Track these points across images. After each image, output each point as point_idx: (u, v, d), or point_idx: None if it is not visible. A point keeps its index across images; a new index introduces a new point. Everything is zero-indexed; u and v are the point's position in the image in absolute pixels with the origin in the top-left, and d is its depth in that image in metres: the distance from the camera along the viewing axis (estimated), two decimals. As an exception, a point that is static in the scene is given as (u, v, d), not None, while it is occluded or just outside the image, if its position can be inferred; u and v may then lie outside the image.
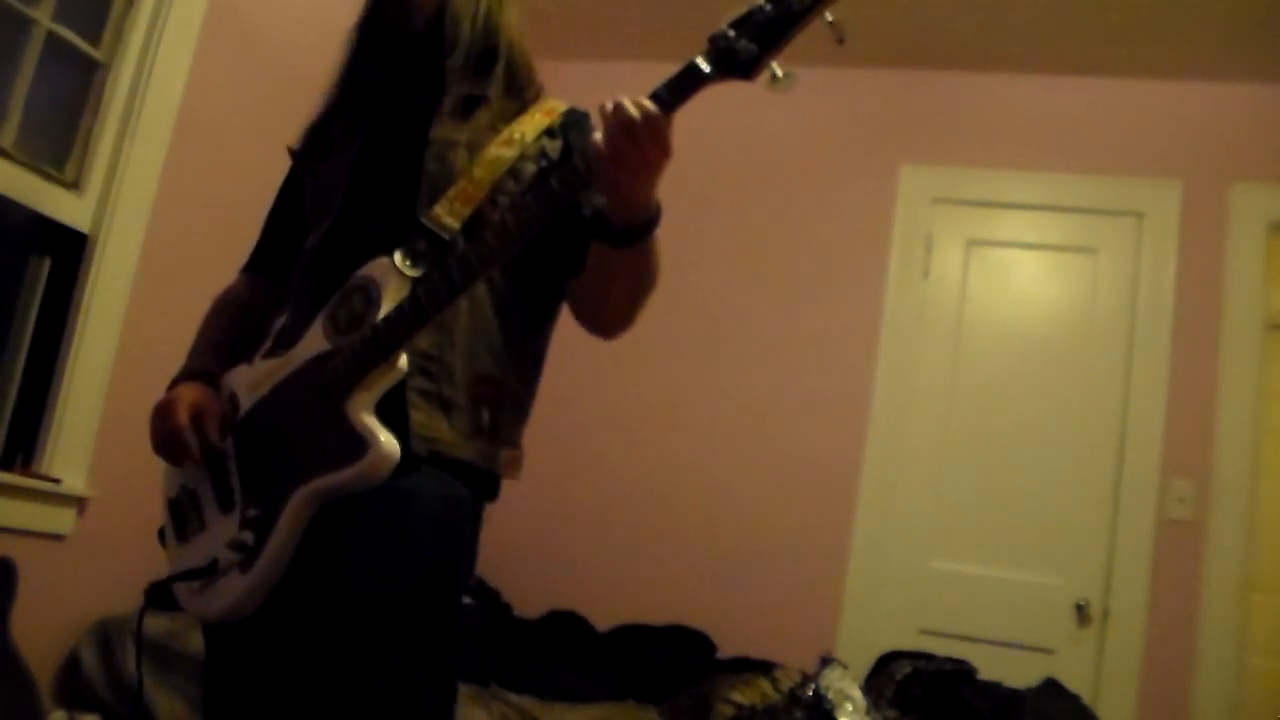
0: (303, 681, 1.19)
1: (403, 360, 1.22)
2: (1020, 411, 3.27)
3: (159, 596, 1.28)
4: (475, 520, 1.32)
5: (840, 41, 1.12)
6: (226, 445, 1.32)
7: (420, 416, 1.25)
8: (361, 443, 1.18)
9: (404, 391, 1.25)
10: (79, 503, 2.47)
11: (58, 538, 2.44)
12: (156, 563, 2.64)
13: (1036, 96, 3.46)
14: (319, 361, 1.25)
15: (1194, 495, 3.06)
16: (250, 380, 1.35)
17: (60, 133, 2.48)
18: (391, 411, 1.23)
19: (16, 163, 2.33)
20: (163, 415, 1.35)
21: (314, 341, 1.28)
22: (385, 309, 1.22)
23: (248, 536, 1.22)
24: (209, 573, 1.23)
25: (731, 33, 1.13)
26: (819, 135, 3.63)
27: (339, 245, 1.33)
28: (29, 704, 2.13)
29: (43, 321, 2.46)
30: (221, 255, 2.86)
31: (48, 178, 2.40)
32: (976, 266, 3.43)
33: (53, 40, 2.41)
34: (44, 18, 2.38)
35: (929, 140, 3.53)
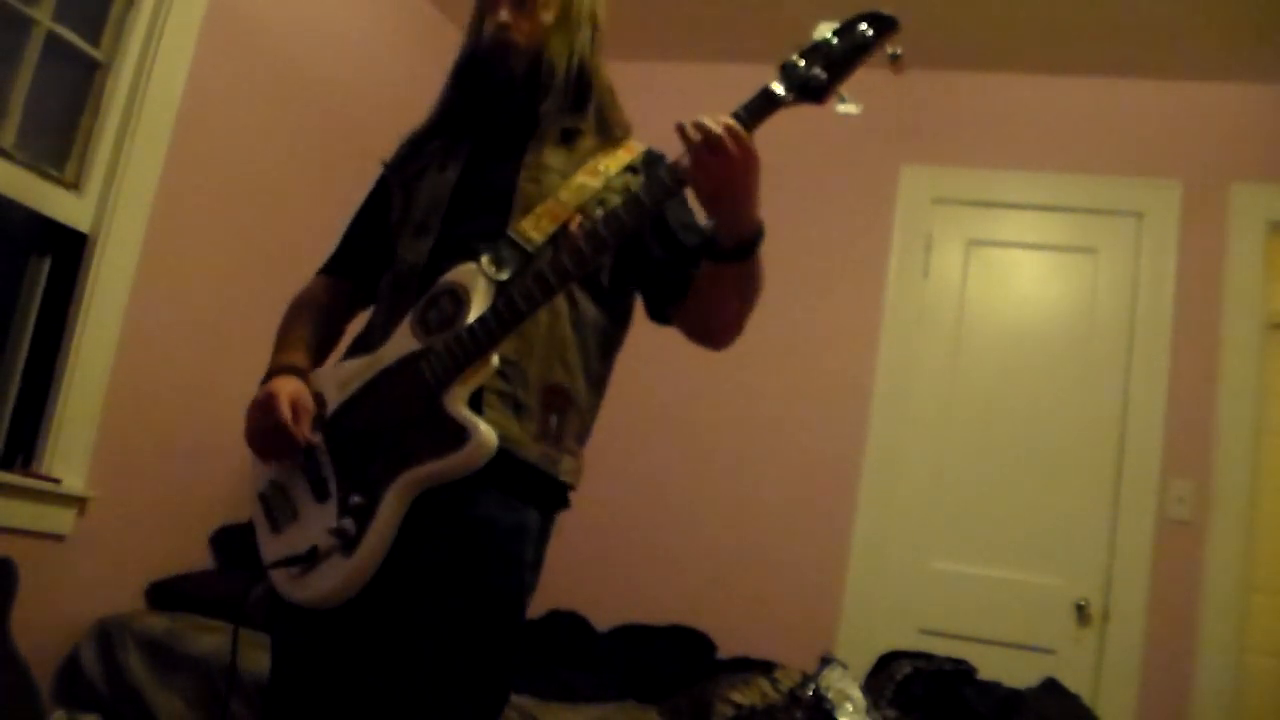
0: (367, 686, 1.28)
1: (495, 358, 1.31)
2: (1020, 411, 3.27)
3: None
4: (542, 540, 1.40)
5: (898, 71, 1.21)
6: (317, 440, 1.39)
7: (494, 415, 1.33)
8: (462, 432, 1.27)
9: (480, 392, 1.32)
10: (79, 503, 2.47)
11: (58, 538, 2.44)
12: (157, 563, 2.65)
13: (1036, 96, 3.46)
14: (411, 360, 1.33)
15: (1194, 495, 3.06)
16: (338, 379, 1.42)
17: (60, 133, 2.48)
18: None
19: (16, 163, 2.33)
20: (264, 409, 1.39)
21: (404, 342, 1.36)
22: (476, 310, 1.31)
23: (349, 524, 1.29)
24: (309, 559, 1.30)
25: (802, 62, 1.24)
26: (819, 135, 3.62)
27: (442, 260, 1.40)
28: (29, 704, 2.13)
29: (43, 321, 2.46)
30: (221, 255, 2.89)
31: (48, 178, 2.41)
32: (976, 266, 3.43)
33: (53, 40, 2.41)
34: (44, 18, 2.38)
35: (929, 140, 3.53)
